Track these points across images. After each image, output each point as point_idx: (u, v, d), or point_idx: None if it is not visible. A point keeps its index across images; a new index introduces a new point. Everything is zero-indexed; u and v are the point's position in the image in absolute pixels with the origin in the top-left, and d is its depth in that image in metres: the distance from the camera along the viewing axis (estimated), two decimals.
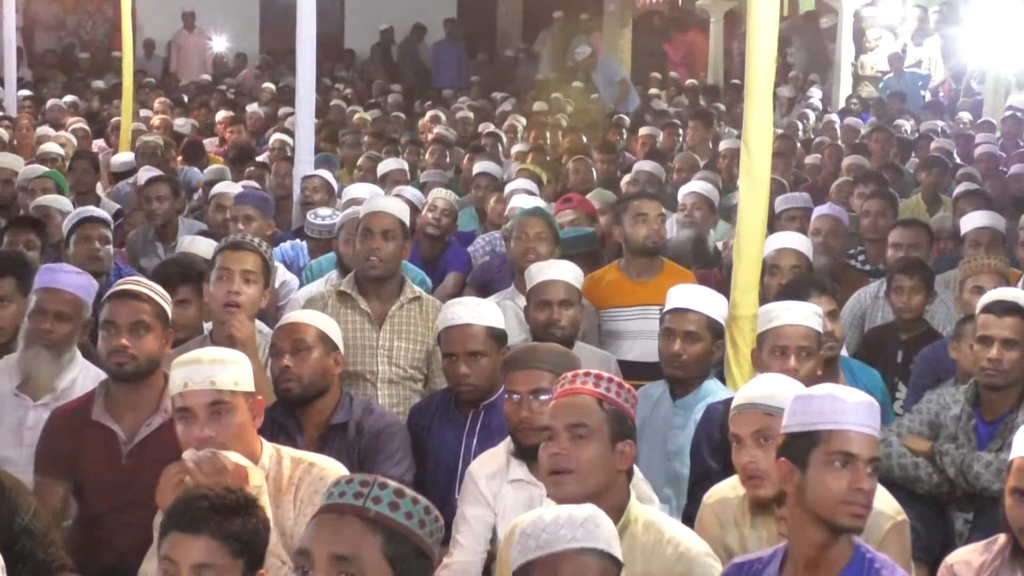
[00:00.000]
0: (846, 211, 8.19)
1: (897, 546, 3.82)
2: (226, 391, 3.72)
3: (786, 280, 5.77)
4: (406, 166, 9.95)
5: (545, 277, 5.49)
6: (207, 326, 5.38)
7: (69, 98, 15.27)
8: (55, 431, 4.52)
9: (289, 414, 4.63)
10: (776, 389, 3.87)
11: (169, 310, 4.57)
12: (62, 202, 7.70)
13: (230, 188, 8.23)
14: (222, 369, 3.75)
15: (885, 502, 3.88)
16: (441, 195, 7.88)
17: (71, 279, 5.01)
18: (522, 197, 7.82)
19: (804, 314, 4.74)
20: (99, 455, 4.39)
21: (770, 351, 4.70)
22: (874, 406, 3.30)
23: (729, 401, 4.73)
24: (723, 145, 11.17)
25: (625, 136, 13.29)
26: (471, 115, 14.78)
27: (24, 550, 3.89)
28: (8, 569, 3.61)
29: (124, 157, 10.96)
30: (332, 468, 3.87)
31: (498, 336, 4.90)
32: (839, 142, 12.66)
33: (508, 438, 4.41)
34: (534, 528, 2.93)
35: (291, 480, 3.83)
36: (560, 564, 2.87)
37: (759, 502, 3.87)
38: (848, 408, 3.26)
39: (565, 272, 5.53)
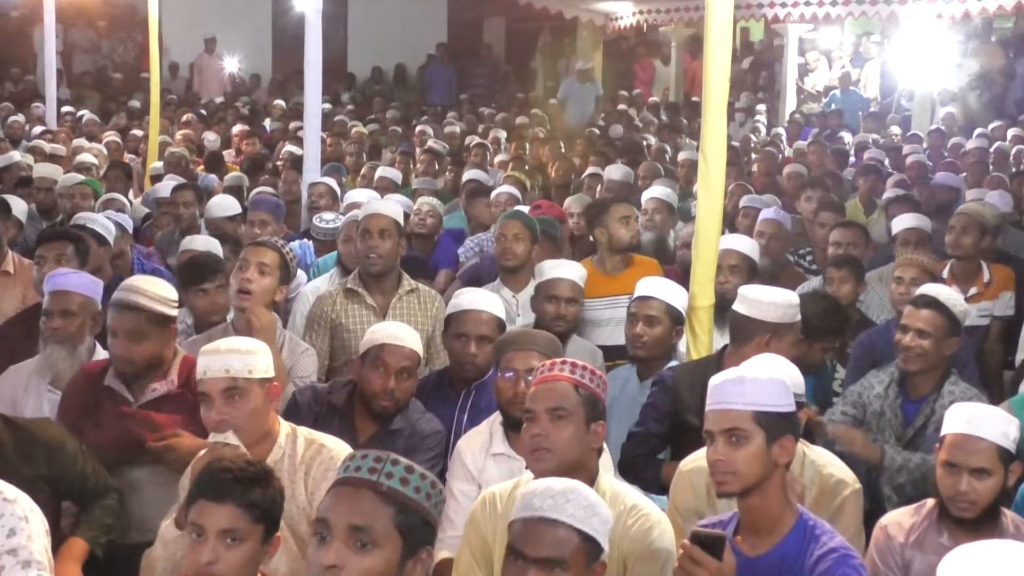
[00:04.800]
0: (791, 214, 8.23)
1: (853, 510, 3.87)
2: (240, 378, 3.70)
3: (734, 281, 5.73)
4: (397, 176, 9.99)
5: (555, 275, 5.50)
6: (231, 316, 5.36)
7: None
8: (75, 387, 4.57)
9: (349, 406, 4.56)
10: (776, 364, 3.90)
11: (168, 310, 4.46)
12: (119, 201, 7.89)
13: (219, 209, 7.80)
14: (236, 358, 3.72)
15: (845, 472, 3.93)
16: (425, 201, 7.96)
17: (72, 280, 4.95)
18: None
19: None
20: (111, 413, 4.42)
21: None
22: (743, 382, 3.23)
23: (677, 367, 4.80)
24: (681, 156, 11.20)
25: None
26: (458, 129, 14.79)
27: (84, 489, 4.09)
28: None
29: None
30: (340, 449, 3.83)
31: (502, 326, 4.93)
32: (786, 152, 12.74)
33: (490, 417, 4.42)
34: (527, 492, 2.95)
35: (303, 459, 3.80)
36: (526, 529, 2.88)
37: None
38: (714, 391, 3.28)
39: (573, 272, 5.53)
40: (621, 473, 4.54)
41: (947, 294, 5.00)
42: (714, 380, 3.31)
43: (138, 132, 13.80)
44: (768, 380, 3.25)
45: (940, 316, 4.86)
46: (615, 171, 9.67)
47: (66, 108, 15.49)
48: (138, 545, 3.96)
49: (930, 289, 5.07)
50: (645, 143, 13.28)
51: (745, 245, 6.08)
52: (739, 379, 3.25)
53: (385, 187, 9.20)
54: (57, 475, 4.01)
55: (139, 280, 4.54)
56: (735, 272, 5.82)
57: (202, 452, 3.59)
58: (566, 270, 5.54)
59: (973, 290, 6.72)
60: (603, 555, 2.94)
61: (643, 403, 4.80)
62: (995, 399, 4.97)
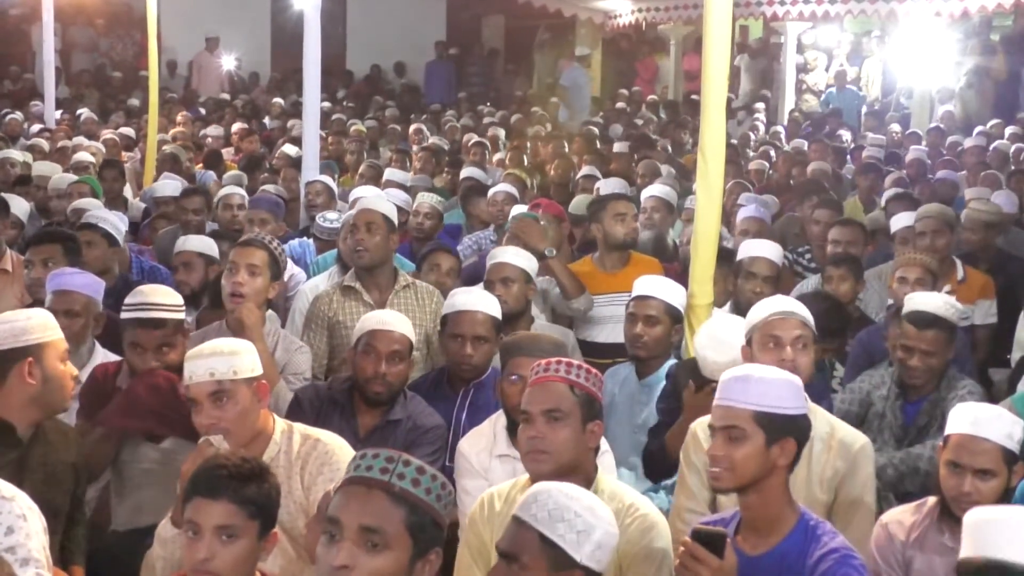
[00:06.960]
0: (793, 213, 8.20)
1: (866, 463, 3.92)
2: (226, 380, 3.69)
3: (767, 291, 5.57)
4: (404, 177, 9.93)
5: (496, 260, 5.61)
6: None
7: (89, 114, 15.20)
8: (93, 384, 4.62)
9: (349, 399, 4.59)
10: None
11: (183, 315, 4.56)
12: (95, 204, 7.64)
13: (236, 189, 8.26)
14: (220, 360, 3.71)
15: (850, 432, 3.98)
16: (424, 200, 7.83)
17: (76, 280, 4.97)
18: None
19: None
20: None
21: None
22: (748, 380, 3.20)
23: (686, 362, 4.78)
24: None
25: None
26: (459, 126, 14.77)
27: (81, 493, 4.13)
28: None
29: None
30: (336, 444, 3.82)
31: (498, 325, 4.93)
32: (785, 148, 12.72)
33: (492, 417, 4.40)
34: (533, 492, 2.93)
35: (298, 454, 3.78)
36: (513, 531, 2.88)
37: None
38: (722, 386, 3.26)
39: (512, 256, 5.59)
40: (644, 469, 4.59)
41: (944, 306, 4.90)
42: (723, 376, 3.29)
43: (128, 130, 13.78)
44: (776, 380, 3.22)
45: (942, 332, 4.83)
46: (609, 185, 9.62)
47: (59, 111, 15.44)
48: (149, 528, 4.00)
49: (925, 304, 4.92)
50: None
51: (774, 252, 5.96)
52: (745, 377, 3.23)
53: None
54: (81, 464, 4.06)
55: (153, 293, 4.54)
56: (768, 282, 5.75)
57: (191, 455, 3.58)
58: (504, 254, 5.62)
59: (947, 288, 6.67)
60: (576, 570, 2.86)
61: (654, 399, 4.81)
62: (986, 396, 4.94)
